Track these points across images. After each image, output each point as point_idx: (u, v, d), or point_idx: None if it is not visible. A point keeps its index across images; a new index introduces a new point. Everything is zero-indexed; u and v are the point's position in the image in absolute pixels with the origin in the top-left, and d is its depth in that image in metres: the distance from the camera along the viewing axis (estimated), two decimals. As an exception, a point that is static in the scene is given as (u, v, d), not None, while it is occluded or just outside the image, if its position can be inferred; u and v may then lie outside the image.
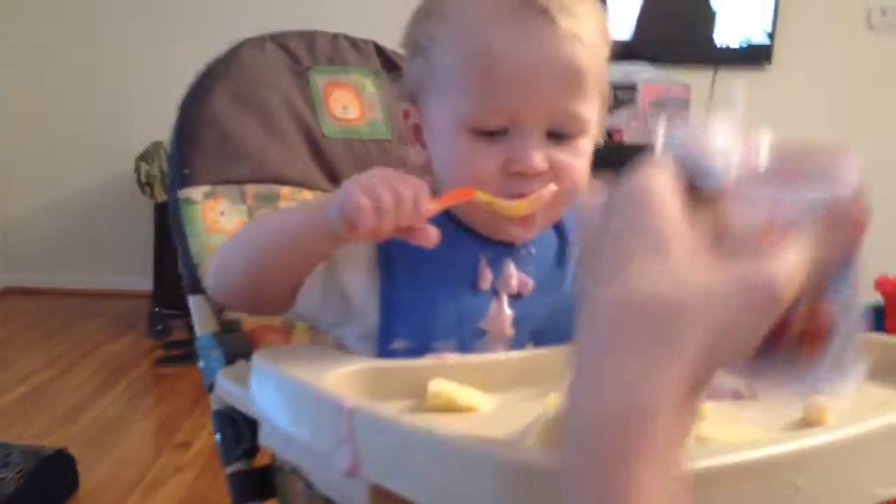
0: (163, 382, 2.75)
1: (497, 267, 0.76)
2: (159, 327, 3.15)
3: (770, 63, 3.58)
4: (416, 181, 0.67)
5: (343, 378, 0.64)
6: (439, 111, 0.74)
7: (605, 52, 0.75)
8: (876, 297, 3.19)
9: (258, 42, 0.97)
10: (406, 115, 0.80)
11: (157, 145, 3.16)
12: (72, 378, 2.71)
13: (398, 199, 0.64)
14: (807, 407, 0.61)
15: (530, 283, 0.76)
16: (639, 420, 0.35)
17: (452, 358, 0.69)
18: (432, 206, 0.67)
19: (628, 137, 3.25)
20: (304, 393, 0.60)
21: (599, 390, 0.37)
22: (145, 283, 3.37)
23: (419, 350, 0.71)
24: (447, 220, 0.74)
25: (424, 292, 0.74)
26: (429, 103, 0.76)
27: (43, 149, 3.82)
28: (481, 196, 0.69)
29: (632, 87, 3.30)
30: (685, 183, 0.41)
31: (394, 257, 0.74)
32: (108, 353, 3.00)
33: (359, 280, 0.75)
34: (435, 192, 0.77)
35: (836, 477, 0.51)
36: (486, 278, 0.75)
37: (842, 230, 0.40)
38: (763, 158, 0.42)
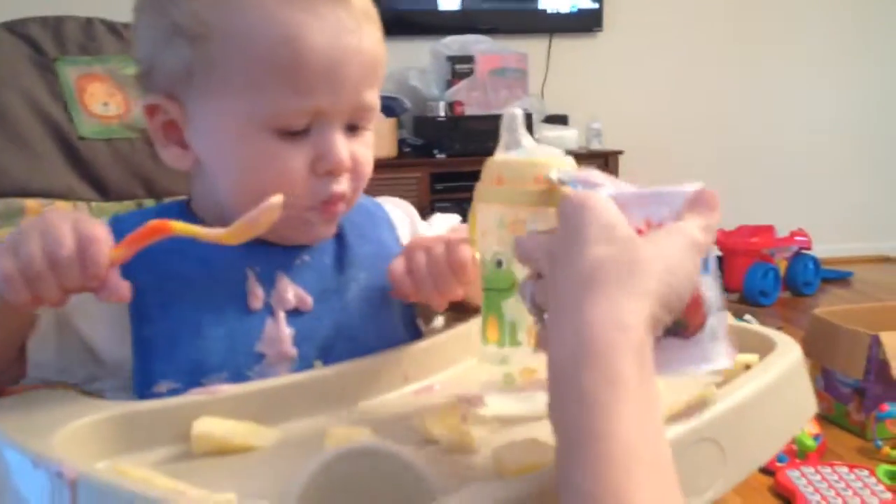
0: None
1: (268, 281, 0.67)
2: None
3: (601, 29, 3.64)
4: (92, 225, 0.55)
5: (88, 430, 0.54)
6: (224, 110, 0.64)
7: (382, 32, 0.69)
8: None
9: (-11, 31, 0.82)
10: (154, 110, 0.67)
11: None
12: None
13: (53, 259, 0.53)
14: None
15: (308, 297, 0.68)
16: (616, 347, 0.44)
17: (224, 389, 0.60)
18: (117, 253, 0.55)
19: (469, 109, 3.23)
20: (22, 460, 0.49)
21: (579, 328, 0.45)
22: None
23: (187, 389, 0.61)
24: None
25: (184, 322, 0.63)
26: (202, 100, 0.65)
27: None
28: (179, 228, 0.56)
29: (469, 59, 3.28)
30: None
31: (141, 287, 0.61)
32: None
33: (100, 325, 0.63)
34: (206, 198, 0.69)
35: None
36: (258, 296, 0.66)
37: (703, 210, 0.52)
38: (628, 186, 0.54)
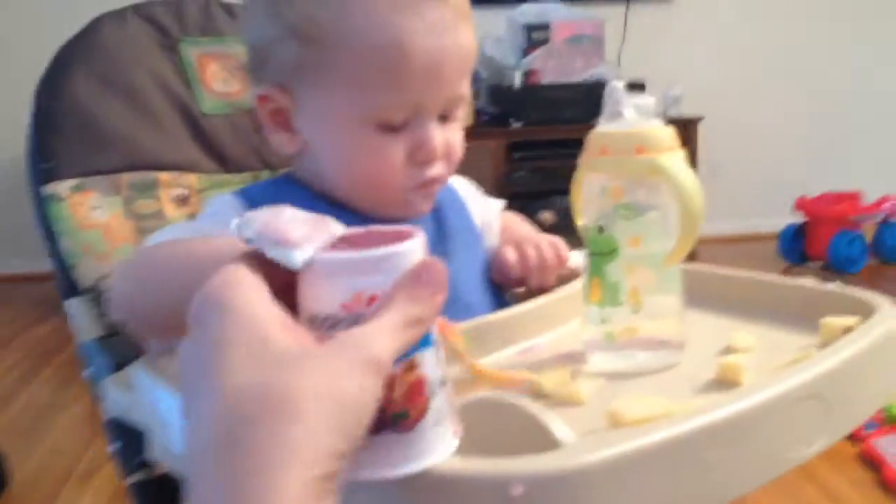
0: (90, 367, 2.67)
1: None
2: (82, 309, 3.05)
3: (677, -4, 3.58)
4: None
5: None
6: (335, 104, 0.70)
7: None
8: (798, 217, 3.27)
9: (119, 15, 0.88)
10: (265, 99, 0.73)
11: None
12: (-4, 366, 2.63)
13: None
14: (720, 368, 0.59)
15: None
16: None
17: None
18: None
19: (546, 77, 3.23)
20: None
21: None
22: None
23: None
24: (338, 207, 0.73)
25: None
26: (315, 94, 0.70)
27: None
28: (455, 341, 0.60)
29: (545, 27, 3.27)
30: (268, 269, 0.40)
31: None
32: (30, 339, 2.90)
33: None
34: (313, 178, 0.75)
35: (749, 447, 0.49)
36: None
37: (416, 294, 0.39)
38: (335, 239, 0.41)
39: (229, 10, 0.96)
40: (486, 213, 0.88)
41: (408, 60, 0.67)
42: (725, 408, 0.48)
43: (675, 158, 0.61)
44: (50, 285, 3.49)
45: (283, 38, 0.69)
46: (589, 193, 0.65)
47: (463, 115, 0.76)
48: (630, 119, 0.64)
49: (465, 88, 0.73)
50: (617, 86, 0.66)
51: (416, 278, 0.39)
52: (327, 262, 0.39)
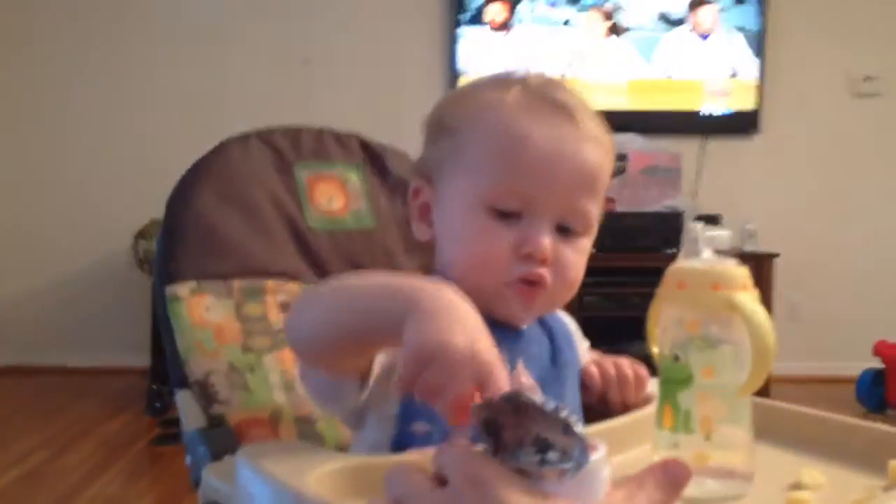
0: (160, 461, 2.73)
1: (510, 364, 0.77)
2: (157, 404, 3.13)
3: (758, 132, 3.64)
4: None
5: (328, 477, 0.64)
6: (458, 189, 0.77)
7: (613, 158, 0.80)
8: (877, 362, 3.18)
9: (243, 139, 1.00)
10: (417, 193, 0.82)
11: (155, 222, 3.20)
12: (68, 458, 2.69)
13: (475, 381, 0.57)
14: (789, 501, 0.61)
15: (534, 384, 0.78)
16: None
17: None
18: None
19: (620, 206, 3.30)
20: (285, 495, 0.60)
21: None
22: (142, 360, 3.36)
23: (437, 435, 0.70)
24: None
25: None
26: (447, 181, 0.79)
27: (41, 225, 3.86)
28: None
29: (622, 157, 3.36)
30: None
31: None
32: (104, 432, 2.97)
33: (386, 356, 0.73)
34: (439, 271, 0.80)
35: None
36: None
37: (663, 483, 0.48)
38: None
39: (338, 139, 1.07)
40: (584, 351, 0.92)
41: (521, 150, 0.74)
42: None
43: (748, 297, 0.66)
44: (129, 380, 3.59)
45: (437, 136, 0.80)
46: (666, 323, 0.69)
47: (588, 240, 0.80)
48: (707, 258, 0.69)
49: (586, 206, 0.77)
50: (696, 226, 0.71)
51: (665, 470, 0.48)
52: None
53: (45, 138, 3.84)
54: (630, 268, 3.08)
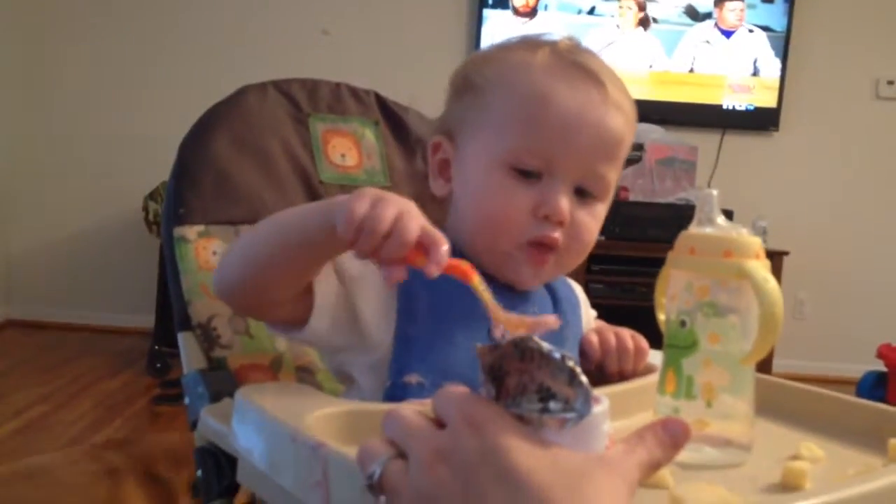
0: (158, 421, 2.74)
1: None
2: (158, 365, 3.15)
3: (777, 129, 3.62)
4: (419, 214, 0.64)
5: (324, 420, 0.64)
6: (480, 146, 0.78)
7: (635, 128, 0.81)
8: (879, 365, 3.17)
9: (261, 87, 0.99)
10: (437, 147, 0.82)
11: (165, 184, 3.20)
12: (67, 413, 2.70)
13: (394, 229, 0.61)
14: (785, 471, 0.61)
15: (558, 320, 0.77)
16: None
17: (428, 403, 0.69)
18: (420, 260, 0.63)
19: (634, 195, 3.29)
20: (282, 433, 0.60)
21: None
22: (148, 320, 3.37)
23: (431, 387, 0.70)
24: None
25: (442, 330, 0.74)
26: (469, 138, 0.79)
27: (52, 183, 3.87)
28: (476, 284, 0.64)
29: (639, 146, 3.35)
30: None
31: (416, 292, 0.74)
32: (105, 389, 2.99)
33: (374, 307, 0.75)
34: (450, 227, 0.80)
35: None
36: (500, 329, 0.76)
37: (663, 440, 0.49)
38: None
39: (355, 94, 1.06)
40: (589, 320, 0.93)
41: (545, 111, 0.74)
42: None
43: (760, 265, 0.65)
44: (132, 340, 3.61)
45: (460, 92, 0.81)
46: (675, 289, 0.69)
47: (604, 206, 0.80)
48: (720, 225, 0.69)
49: (606, 170, 0.77)
50: (711, 193, 0.70)
51: (665, 427, 0.48)
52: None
53: (62, 94, 3.84)
54: (638, 257, 3.08)
